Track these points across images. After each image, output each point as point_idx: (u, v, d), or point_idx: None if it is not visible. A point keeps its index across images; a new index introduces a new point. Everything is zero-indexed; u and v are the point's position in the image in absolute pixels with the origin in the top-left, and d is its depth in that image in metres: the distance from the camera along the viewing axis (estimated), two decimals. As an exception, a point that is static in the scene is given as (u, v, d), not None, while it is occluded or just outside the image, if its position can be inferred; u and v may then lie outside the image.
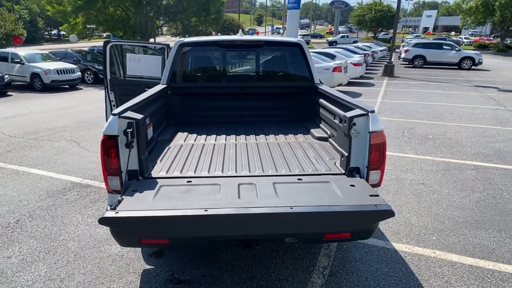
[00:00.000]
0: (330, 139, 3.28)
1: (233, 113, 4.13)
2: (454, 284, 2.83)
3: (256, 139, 3.41)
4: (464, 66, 20.86)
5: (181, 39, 3.97)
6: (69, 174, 5.08)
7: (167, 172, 2.54)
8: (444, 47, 21.65)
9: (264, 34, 59.78)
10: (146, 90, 4.78)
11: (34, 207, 4.08)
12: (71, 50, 18.21)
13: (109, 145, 2.27)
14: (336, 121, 3.10)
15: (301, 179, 2.40)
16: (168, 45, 4.74)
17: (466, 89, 13.30)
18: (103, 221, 1.87)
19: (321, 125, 3.63)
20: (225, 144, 3.25)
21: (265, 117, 4.08)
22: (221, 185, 2.30)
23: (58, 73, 13.72)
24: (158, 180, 2.40)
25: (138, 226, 1.93)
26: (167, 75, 3.91)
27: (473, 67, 20.80)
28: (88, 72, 15.94)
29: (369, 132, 2.40)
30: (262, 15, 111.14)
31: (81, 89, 14.54)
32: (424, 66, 21.61)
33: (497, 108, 9.90)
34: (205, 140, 3.39)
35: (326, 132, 3.40)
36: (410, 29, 76.38)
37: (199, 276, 2.89)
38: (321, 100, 3.65)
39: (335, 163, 2.74)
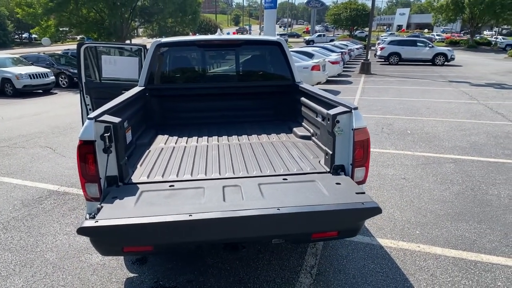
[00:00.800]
0: (313, 138, 3.28)
1: (213, 114, 4.06)
2: (439, 276, 2.88)
3: (238, 140, 3.36)
4: (437, 62, 21.51)
5: (158, 39, 3.86)
6: (45, 181, 4.87)
7: (148, 177, 2.46)
8: (418, 44, 22.26)
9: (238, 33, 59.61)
10: (124, 93, 4.68)
11: (8, 218, 3.88)
12: (44, 53, 17.57)
13: (85, 150, 2.17)
14: (319, 119, 3.10)
15: (286, 179, 2.37)
16: (144, 46, 4.62)
17: (441, 85, 13.70)
18: (82, 231, 1.78)
19: (303, 123, 3.62)
20: (207, 145, 3.19)
21: (246, 117, 4.04)
22: (205, 188, 2.24)
23: (31, 78, 13.19)
24: (139, 185, 2.31)
25: (120, 235, 1.85)
26: (144, 76, 3.80)
27: (446, 63, 21.48)
28: (63, 76, 15.42)
29: (352, 129, 2.40)
30: (239, 15, 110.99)
31: (56, 93, 14.05)
32: (399, 63, 22.13)
33: (470, 102, 10.24)
34: (186, 143, 3.31)
35: (309, 131, 3.39)
36: (385, 27, 78.21)
37: (184, 282, 2.82)
38: (303, 99, 3.64)
39: (319, 162, 2.73)
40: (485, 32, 58.28)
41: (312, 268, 3.00)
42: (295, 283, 2.81)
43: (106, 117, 2.26)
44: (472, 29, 38.72)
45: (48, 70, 14.29)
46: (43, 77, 13.63)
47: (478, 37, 42.58)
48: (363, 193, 2.15)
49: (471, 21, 37.23)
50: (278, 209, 1.92)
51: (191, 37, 4.11)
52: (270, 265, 3.03)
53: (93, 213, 1.96)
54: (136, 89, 3.58)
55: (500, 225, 3.64)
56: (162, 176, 2.48)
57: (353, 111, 2.40)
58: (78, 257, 3.16)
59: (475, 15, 35.80)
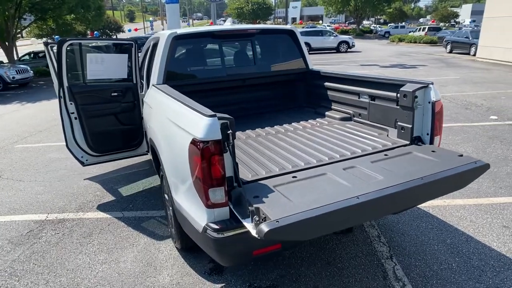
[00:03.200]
0: (355, 118, 3.46)
1: (233, 107, 3.91)
2: (476, 221, 3.40)
3: (285, 129, 3.34)
4: (341, 49, 23.95)
5: (174, 30, 3.50)
6: (21, 213, 4.01)
7: (257, 174, 2.30)
8: (324, 34, 24.39)
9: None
10: (114, 95, 4.13)
11: (7, 262, 3.11)
12: None
13: (212, 151, 1.93)
14: (365, 99, 3.29)
15: (387, 155, 2.50)
16: (136, 41, 4.13)
17: (357, 68, 15.36)
18: (269, 234, 1.61)
19: (333, 107, 3.77)
20: (265, 136, 3.10)
21: (269, 108, 3.99)
22: (329, 173, 2.22)
23: None
24: (260, 182, 2.16)
25: (298, 231, 1.73)
26: (162, 73, 3.43)
27: (348, 49, 24.07)
28: None
29: (430, 102, 2.65)
30: (133, 10, 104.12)
31: None
32: (309, 52, 23.86)
33: (391, 81, 11.76)
34: (238, 137, 3.15)
35: (346, 113, 3.56)
36: (280, 20, 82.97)
37: (278, 277, 2.74)
38: (328, 83, 3.78)
39: (387, 136, 2.93)
40: (364, 22, 66.66)
41: (379, 237, 3.22)
42: (376, 253, 2.98)
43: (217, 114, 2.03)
44: (357, 19, 43.93)
45: None
46: None
47: (361, 26, 48.54)
48: (462, 155, 2.42)
49: (356, 12, 42.20)
50: (422, 179, 2.05)
51: (207, 28, 3.84)
52: (341, 243, 3.14)
53: (256, 218, 1.78)
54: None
55: (485, 174, 4.40)
56: (270, 170, 2.35)
57: (431, 85, 2.65)
58: (142, 283, 2.76)
59: (359, 7, 40.72)
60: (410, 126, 2.72)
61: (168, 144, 2.51)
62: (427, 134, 2.73)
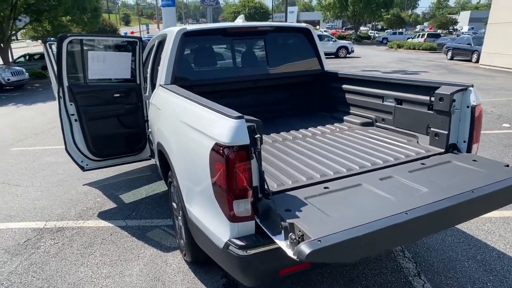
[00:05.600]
0: (377, 123, 3.25)
1: (246, 110, 3.65)
2: (504, 235, 3.20)
3: (303, 134, 3.12)
4: (340, 55, 23.88)
5: (184, 26, 3.28)
6: (18, 220, 3.75)
7: (283, 183, 2.08)
8: (324, 39, 24.32)
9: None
10: (116, 96, 3.89)
11: (4, 274, 2.86)
12: None
13: (238, 158, 1.70)
14: (390, 103, 3.08)
15: (424, 164, 2.28)
16: (140, 39, 3.90)
17: (358, 73, 15.22)
18: (312, 256, 1.38)
19: (351, 111, 3.56)
20: (282, 141, 2.88)
21: (281, 111, 3.78)
22: (364, 184, 2.00)
23: None
24: (288, 193, 1.93)
25: (343, 252, 1.50)
26: (170, 72, 3.20)
27: (347, 55, 24.01)
28: None
29: (469, 106, 2.44)
30: (129, 14, 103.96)
31: None
32: (309, 56, 23.79)
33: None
34: None
35: (367, 118, 3.35)
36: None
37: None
38: (348, 86, 3.58)
39: (417, 142, 2.72)
40: (361, 28, 67.08)
41: (403, 252, 3.00)
42: (402, 270, 2.77)
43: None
44: (355, 25, 44.09)
45: None
46: None
47: (358, 32, 48.78)
48: (508, 165, 2.20)
49: (354, 17, 42.36)
50: (473, 191, 1.84)
51: (217, 24, 3.62)
52: (363, 259, 2.91)
53: (290, 235, 1.55)
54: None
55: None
56: (296, 180, 2.12)
57: (471, 88, 2.44)
58: (150, 301, 2.51)
59: (357, 12, 40.87)
60: (446, 132, 2.50)
61: (182, 149, 2.27)
62: (464, 141, 2.51)
